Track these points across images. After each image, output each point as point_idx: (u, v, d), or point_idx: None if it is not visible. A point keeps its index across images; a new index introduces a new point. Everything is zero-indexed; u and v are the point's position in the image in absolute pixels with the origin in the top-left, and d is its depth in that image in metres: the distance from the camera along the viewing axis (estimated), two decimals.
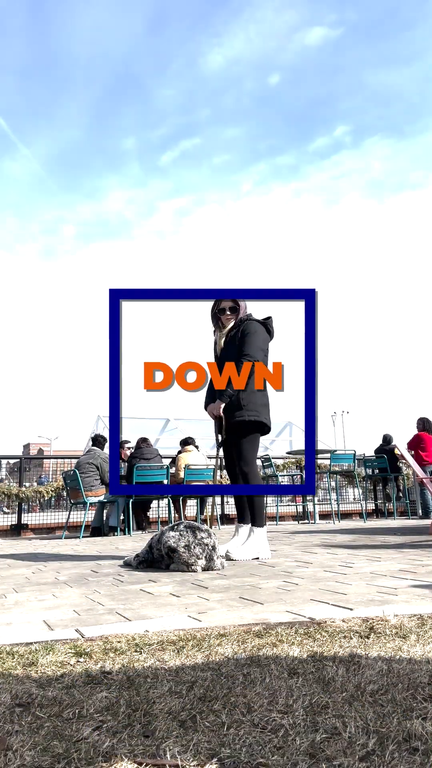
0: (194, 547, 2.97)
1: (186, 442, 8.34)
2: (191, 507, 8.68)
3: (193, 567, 2.96)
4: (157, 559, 3.18)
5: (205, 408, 3.85)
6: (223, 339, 3.83)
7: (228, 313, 3.83)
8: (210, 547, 3.01)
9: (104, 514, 7.66)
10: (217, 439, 3.86)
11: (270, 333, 3.85)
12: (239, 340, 3.70)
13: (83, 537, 6.91)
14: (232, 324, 3.80)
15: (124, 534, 7.15)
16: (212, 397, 3.79)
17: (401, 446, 8.13)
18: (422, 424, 9.01)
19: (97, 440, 7.70)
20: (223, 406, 3.67)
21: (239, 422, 3.64)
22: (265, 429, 3.74)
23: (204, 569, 2.98)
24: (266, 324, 3.83)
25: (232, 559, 3.52)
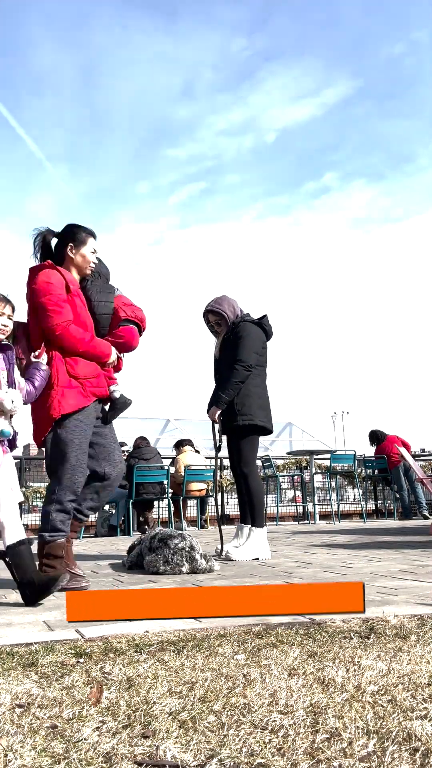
0: (172, 557, 2.98)
1: (181, 443, 8.32)
2: (192, 507, 8.68)
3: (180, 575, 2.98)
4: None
5: (207, 411, 3.87)
6: (219, 343, 3.87)
7: (217, 326, 3.90)
8: (187, 549, 3.01)
9: (103, 514, 7.67)
10: (214, 442, 3.87)
11: (266, 332, 3.86)
12: (233, 343, 3.73)
13: (83, 537, 6.91)
14: (224, 330, 3.85)
15: (124, 534, 7.16)
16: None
17: (402, 448, 8.13)
18: (378, 438, 8.98)
19: None
20: (219, 411, 3.70)
21: (234, 427, 3.67)
22: (263, 431, 3.75)
23: (189, 572, 2.98)
24: (261, 324, 3.84)
25: (232, 560, 3.52)
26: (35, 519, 9.20)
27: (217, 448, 3.85)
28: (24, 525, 9.39)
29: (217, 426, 3.82)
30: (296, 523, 9.55)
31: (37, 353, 2.62)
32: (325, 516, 9.71)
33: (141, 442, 7.64)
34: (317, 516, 8.89)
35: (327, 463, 9.64)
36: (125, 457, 7.83)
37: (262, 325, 3.84)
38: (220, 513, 4.10)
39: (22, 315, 2.74)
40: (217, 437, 3.84)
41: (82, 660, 1.41)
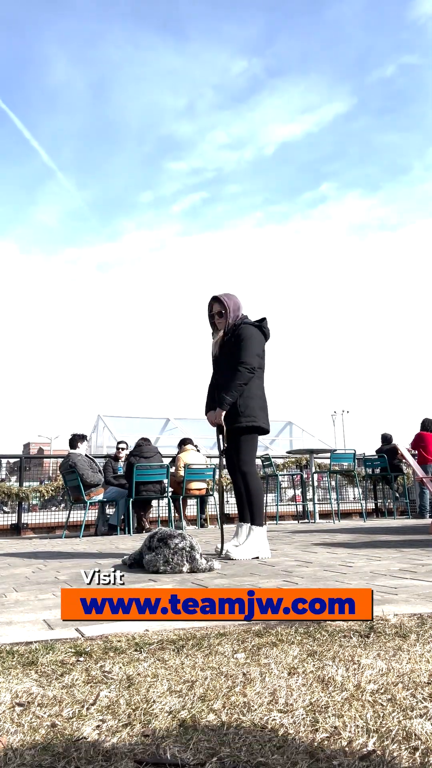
0: (172, 557, 2.99)
1: (184, 442, 8.34)
2: (192, 507, 8.68)
3: (180, 574, 2.98)
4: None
5: (206, 413, 3.86)
6: (218, 342, 3.86)
7: (218, 317, 3.88)
8: (187, 549, 3.01)
9: (103, 513, 7.68)
10: (219, 444, 3.86)
11: (265, 335, 3.87)
12: (235, 346, 3.72)
13: (83, 536, 6.91)
14: (223, 327, 3.84)
15: (124, 533, 7.16)
16: (213, 400, 3.82)
17: (402, 446, 8.13)
18: (424, 424, 9.04)
19: (73, 441, 7.33)
20: (223, 414, 3.69)
21: (236, 428, 3.68)
22: (262, 431, 3.76)
23: (190, 572, 2.98)
24: (261, 326, 3.85)
25: (232, 559, 3.52)
26: (35, 518, 9.21)
27: (221, 452, 3.84)
28: (24, 524, 9.35)
29: (222, 430, 3.79)
30: (296, 522, 9.55)
31: None
32: (324, 515, 9.72)
33: (142, 442, 7.66)
34: (317, 515, 8.89)
35: (327, 462, 9.64)
36: (126, 456, 7.84)
37: (262, 328, 3.85)
38: (220, 512, 4.09)
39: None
40: (221, 440, 3.83)
41: (82, 659, 1.41)
